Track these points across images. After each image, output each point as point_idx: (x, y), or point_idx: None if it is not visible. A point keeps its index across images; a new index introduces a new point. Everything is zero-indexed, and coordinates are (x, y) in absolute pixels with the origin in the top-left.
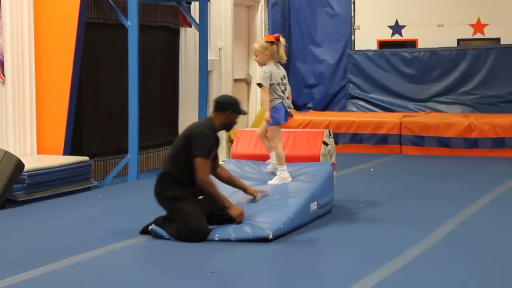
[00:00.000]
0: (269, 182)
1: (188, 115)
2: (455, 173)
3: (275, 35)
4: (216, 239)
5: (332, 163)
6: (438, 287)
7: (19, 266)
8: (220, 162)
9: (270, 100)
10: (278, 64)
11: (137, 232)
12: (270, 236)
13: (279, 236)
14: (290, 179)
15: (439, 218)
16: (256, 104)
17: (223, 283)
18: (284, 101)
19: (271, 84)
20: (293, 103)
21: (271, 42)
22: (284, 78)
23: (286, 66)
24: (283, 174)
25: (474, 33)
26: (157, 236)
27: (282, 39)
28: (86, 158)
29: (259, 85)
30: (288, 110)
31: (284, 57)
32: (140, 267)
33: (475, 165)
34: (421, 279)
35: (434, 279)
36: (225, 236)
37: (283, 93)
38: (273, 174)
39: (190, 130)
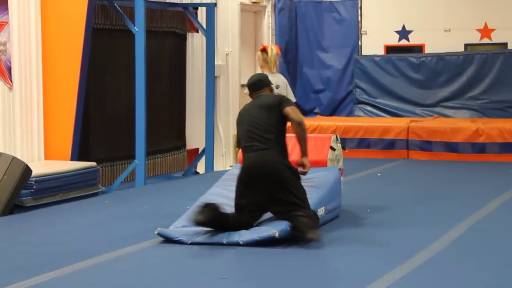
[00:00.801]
0: None
1: (195, 121)
2: (463, 178)
3: (271, 44)
4: (224, 242)
5: (340, 168)
6: None
7: (26, 271)
8: (228, 168)
9: None
10: (277, 73)
11: (144, 237)
12: (277, 235)
13: (286, 237)
14: None
15: (447, 223)
16: None
17: None
18: None
19: None
20: (300, 108)
21: (262, 51)
22: (277, 87)
23: (293, 72)
24: None
25: (481, 38)
26: (166, 239)
27: (271, 50)
28: (93, 163)
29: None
30: None
31: (271, 67)
32: (147, 272)
33: (482, 170)
34: (430, 284)
35: (442, 284)
36: (233, 240)
37: None
38: None
39: (272, 100)
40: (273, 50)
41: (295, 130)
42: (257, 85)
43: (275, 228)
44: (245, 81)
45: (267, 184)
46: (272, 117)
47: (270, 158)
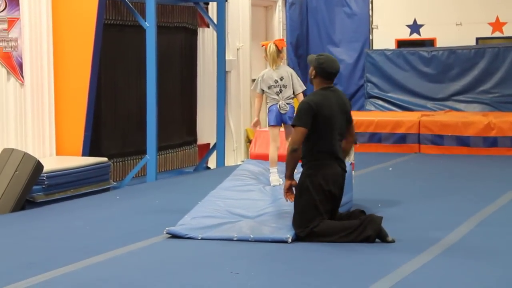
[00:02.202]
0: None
1: (206, 116)
2: (474, 172)
3: (271, 41)
4: (235, 239)
5: (351, 162)
6: (458, 286)
7: (39, 266)
8: (239, 162)
9: (267, 103)
10: (281, 65)
11: (155, 232)
12: (289, 240)
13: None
14: (278, 183)
15: (459, 217)
16: None
17: (242, 283)
18: (278, 103)
19: (263, 90)
20: None
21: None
22: (281, 79)
23: (304, 66)
24: (272, 176)
25: (492, 32)
26: (175, 236)
27: (269, 48)
28: (104, 159)
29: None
30: (282, 111)
31: (270, 63)
32: (159, 267)
33: (494, 164)
34: (441, 278)
35: (454, 278)
36: (244, 236)
37: (278, 94)
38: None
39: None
40: (271, 48)
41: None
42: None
43: (289, 233)
44: (256, 76)
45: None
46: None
47: None
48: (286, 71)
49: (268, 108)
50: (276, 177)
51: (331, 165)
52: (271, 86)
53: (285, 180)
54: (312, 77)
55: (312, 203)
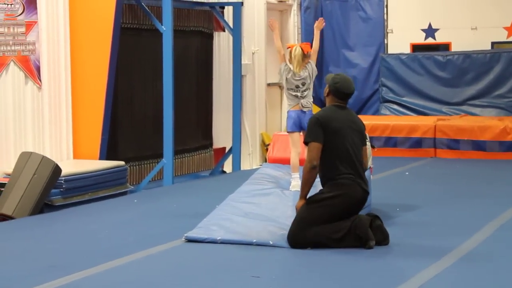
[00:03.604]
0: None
1: (222, 120)
2: (491, 176)
3: (297, 44)
4: (254, 243)
5: (370, 167)
6: None
7: (59, 270)
8: (255, 167)
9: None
10: (305, 68)
11: (174, 236)
12: (309, 248)
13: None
14: (299, 188)
15: (478, 221)
16: None
17: (263, 287)
18: (300, 102)
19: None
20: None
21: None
22: (303, 84)
23: (319, 71)
24: (293, 181)
25: (508, 36)
26: (194, 239)
27: (294, 50)
28: (122, 162)
29: None
30: (305, 109)
31: (294, 67)
32: (178, 271)
33: (511, 168)
34: (462, 283)
35: (475, 283)
36: (263, 241)
37: (298, 97)
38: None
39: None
40: (297, 50)
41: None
42: None
43: None
44: (271, 80)
45: None
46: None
47: None
48: (306, 75)
49: (288, 114)
50: (298, 183)
51: (352, 186)
52: (291, 88)
53: (299, 199)
54: (326, 95)
55: (324, 217)
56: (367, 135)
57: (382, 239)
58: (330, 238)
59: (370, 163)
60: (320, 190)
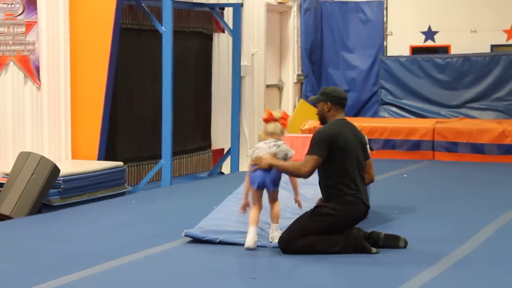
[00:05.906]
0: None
1: (220, 121)
2: (489, 179)
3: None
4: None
5: None
6: None
7: (57, 270)
8: None
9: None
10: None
11: (172, 237)
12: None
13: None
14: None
15: (476, 224)
16: (288, 110)
17: None
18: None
19: None
20: None
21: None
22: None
23: (318, 72)
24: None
25: (507, 39)
26: (193, 238)
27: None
28: (120, 163)
29: None
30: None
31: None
32: (177, 272)
33: (509, 171)
34: (460, 286)
35: (473, 285)
36: (262, 242)
37: None
38: None
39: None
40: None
41: None
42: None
43: None
44: (270, 82)
45: None
46: None
47: None
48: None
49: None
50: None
51: (356, 204)
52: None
53: (273, 163)
54: (327, 111)
55: (320, 230)
56: (365, 136)
57: (397, 243)
58: (327, 252)
59: None
60: (325, 203)
